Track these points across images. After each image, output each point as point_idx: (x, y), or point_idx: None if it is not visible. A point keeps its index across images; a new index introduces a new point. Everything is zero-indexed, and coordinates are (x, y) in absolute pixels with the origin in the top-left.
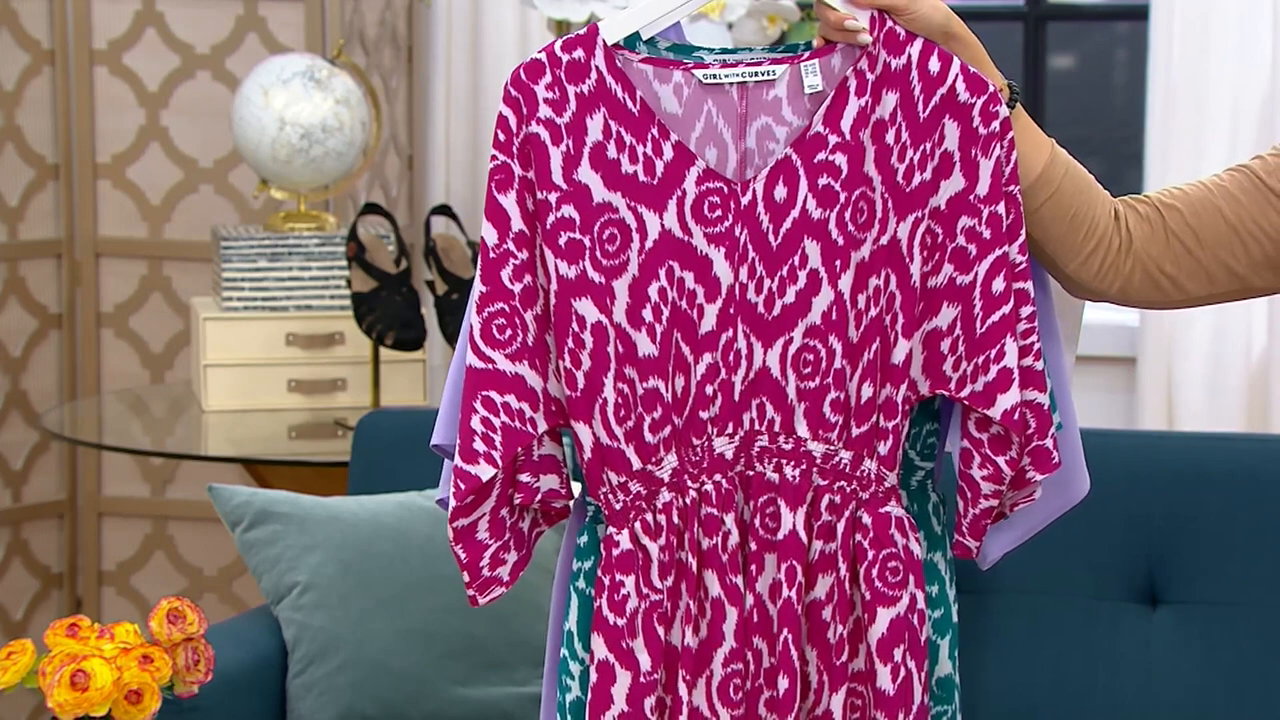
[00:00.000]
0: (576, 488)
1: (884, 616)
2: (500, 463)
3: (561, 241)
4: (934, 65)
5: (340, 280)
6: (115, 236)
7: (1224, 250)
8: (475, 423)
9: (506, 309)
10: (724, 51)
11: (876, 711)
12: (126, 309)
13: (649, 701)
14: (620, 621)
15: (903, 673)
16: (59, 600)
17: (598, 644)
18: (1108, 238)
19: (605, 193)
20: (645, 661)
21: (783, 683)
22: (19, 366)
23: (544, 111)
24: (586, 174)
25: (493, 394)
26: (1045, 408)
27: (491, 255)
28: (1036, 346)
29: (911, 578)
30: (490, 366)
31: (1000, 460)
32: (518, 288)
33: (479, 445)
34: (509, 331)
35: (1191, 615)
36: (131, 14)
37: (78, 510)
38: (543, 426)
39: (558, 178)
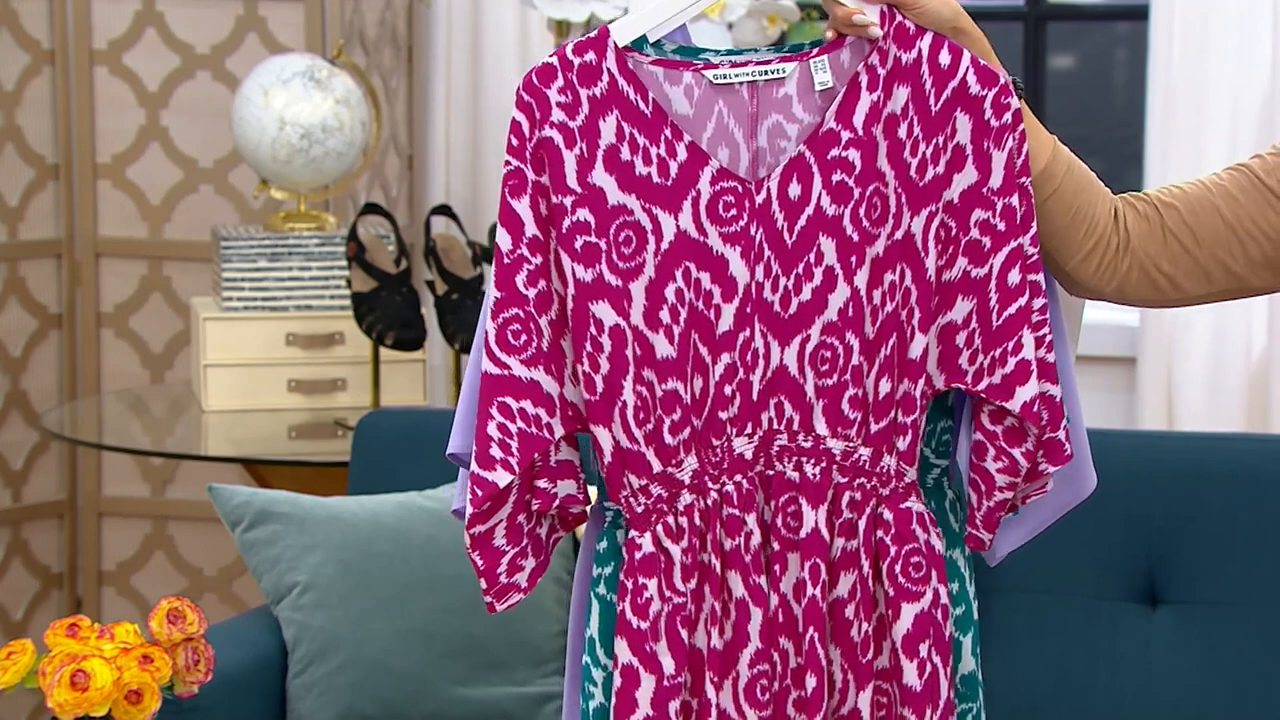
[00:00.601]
0: (594, 493)
1: (908, 612)
2: (517, 469)
3: (577, 245)
4: (944, 59)
5: (340, 280)
6: (115, 236)
7: (1222, 249)
8: (491, 429)
9: (521, 314)
10: (731, 52)
11: (904, 708)
12: (126, 309)
13: (674, 705)
14: (643, 625)
15: (929, 668)
16: (59, 600)
17: (621, 648)
18: (1107, 236)
19: (620, 195)
20: (669, 665)
21: (810, 682)
22: (19, 366)
23: (557, 115)
24: (601, 177)
25: (509, 400)
26: (1058, 400)
27: (506, 261)
28: (1049, 338)
29: (934, 573)
30: (506, 372)
31: (1016, 452)
32: (532, 293)
33: (495, 451)
34: (524, 337)
35: (1191, 615)
36: (131, 14)
37: (78, 510)
38: (559, 431)
39: (572, 181)
